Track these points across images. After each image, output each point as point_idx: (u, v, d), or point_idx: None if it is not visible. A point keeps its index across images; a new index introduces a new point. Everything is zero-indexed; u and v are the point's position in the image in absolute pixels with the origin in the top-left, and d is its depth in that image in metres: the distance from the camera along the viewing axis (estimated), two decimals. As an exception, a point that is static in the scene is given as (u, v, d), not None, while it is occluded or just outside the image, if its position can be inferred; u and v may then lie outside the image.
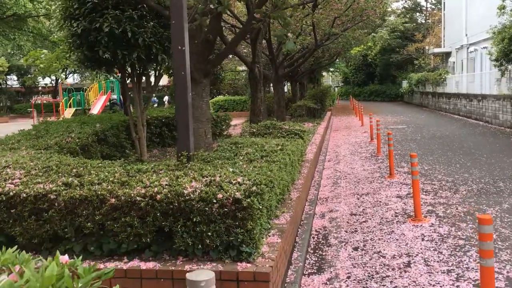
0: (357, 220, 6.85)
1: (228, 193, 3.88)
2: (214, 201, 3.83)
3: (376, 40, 20.86)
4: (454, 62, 33.02)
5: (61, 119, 11.36)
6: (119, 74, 11.89)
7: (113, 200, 3.91)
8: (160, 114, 11.67)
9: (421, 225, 6.41)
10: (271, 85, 21.86)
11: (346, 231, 6.38)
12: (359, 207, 7.62)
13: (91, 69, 8.88)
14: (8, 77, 46.71)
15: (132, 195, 3.90)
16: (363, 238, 6.03)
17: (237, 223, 3.86)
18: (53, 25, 9.47)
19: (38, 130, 7.76)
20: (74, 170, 4.65)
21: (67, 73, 42.58)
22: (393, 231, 6.26)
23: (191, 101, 4.97)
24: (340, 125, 23.27)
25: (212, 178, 4.25)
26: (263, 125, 9.25)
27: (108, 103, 27.68)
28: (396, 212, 7.14)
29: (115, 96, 23.75)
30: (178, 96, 4.94)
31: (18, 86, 48.52)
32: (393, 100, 47.86)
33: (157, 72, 9.25)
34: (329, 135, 18.59)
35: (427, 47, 43.93)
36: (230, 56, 18.98)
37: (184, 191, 3.90)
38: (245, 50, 23.13)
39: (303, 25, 16.25)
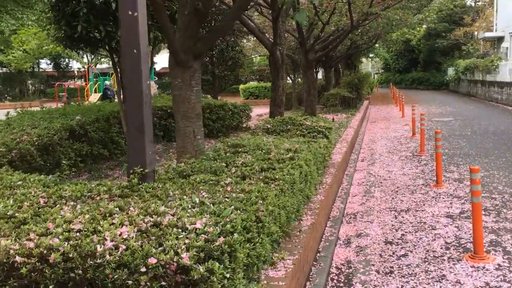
0: (393, 253, 5.12)
1: (169, 255, 2.27)
2: (143, 269, 2.23)
3: (422, 18, 18.48)
4: (507, 47, 30.04)
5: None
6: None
7: (-18, 258, 2.37)
8: (165, 103, 10.15)
9: (483, 267, 4.62)
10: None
11: (378, 271, 4.67)
12: (396, 230, 5.86)
13: (70, 49, 7.41)
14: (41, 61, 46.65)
15: (11, 252, 2.34)
16: (402, 287, 4.31)
17: (183, 306, 2.25)
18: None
19: (-1, 124, 6.39)
20: (-32, 195, 3.15)
21: (99, 57, 41.92)
22: (444, 275, 4.50)
23: (148, 93, 3.38)
24: (378, 116, 21.20)
25: (158, 219, 2.65)
26: (280, 121, 7.57)
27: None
28: (447, 242, 5.35)
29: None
30: (129, 85, 3.35)
31: (51, 70, 48.37)
32: (437, 89, 44.86)
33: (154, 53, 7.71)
34: (365, 128, 16.66)
35: (476, 32, 40.67)
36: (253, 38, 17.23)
37: (98, 247, 2.31)
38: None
39: (338, 3, 14.34)
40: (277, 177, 4.04)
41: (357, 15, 15.16)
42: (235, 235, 2.56)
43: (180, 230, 2.54)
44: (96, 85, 28.58)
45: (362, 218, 6.42)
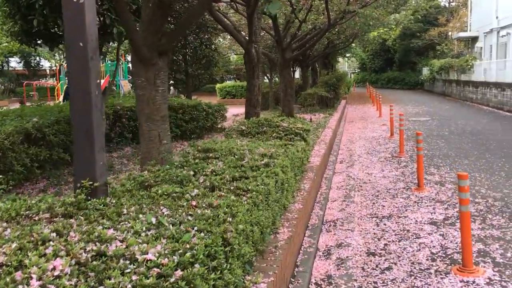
0: (377, 266, 4.74)
1: (110, 298, 1.81)
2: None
3: (398, 20, 18.35)
4: (481, 47, 30.31)
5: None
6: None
7: None
8: (134, 104, 9.57)
9: (473, 282, 4.28)
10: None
11: (361, 288, 4.28)
12: (379, 239, 5.50)
13: (27, 44, 6.80)
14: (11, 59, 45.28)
15: None
16: (387, 306, 3.94)
17: None
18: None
19: None
20: None
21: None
22: (432, 291, 4.15)
23: (98, 93, 2.90)
24: (355, 116, 21.00)
25: (103, 247, 2.18)
26: (255, 122, 7.13)
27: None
28: (432, 253, 5.00)
29: None
30: (74, 84, 2.87)
31: (21, 68, 46.94)
32: (412, 88, 45.20)
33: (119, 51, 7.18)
34: (343, 128, 16.39)
35: (450, 32, 41.07)
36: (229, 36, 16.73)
37: (20, 288, 1.84)
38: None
39: (315, 1, 14.00)
40: (250, 187, 3.60)
41: (335, 13, 14.84)
42: (196, 266, 2.12)
43: (128, 262, 2.08)
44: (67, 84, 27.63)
45: (342, 226, 6.04)
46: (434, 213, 6.40)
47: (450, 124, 16.61)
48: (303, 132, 6.93)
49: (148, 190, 3.58)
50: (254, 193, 3.53)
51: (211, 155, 4.90)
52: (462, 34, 34.31)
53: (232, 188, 3.65)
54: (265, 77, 24.60)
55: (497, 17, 26.60)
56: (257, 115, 9.50)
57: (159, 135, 4.92)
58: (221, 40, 22.67)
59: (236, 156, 4.73)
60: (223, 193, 3.51)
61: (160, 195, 3.39)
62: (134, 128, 9.48)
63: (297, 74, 30.62)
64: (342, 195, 7.60)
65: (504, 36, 24.95)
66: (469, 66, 27.45)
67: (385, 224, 6.02)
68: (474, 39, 32.64)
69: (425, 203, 6.91)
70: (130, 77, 28.35)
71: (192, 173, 4.13)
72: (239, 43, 10.30)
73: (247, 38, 10.93)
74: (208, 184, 3.74)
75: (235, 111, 19.32)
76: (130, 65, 29.77)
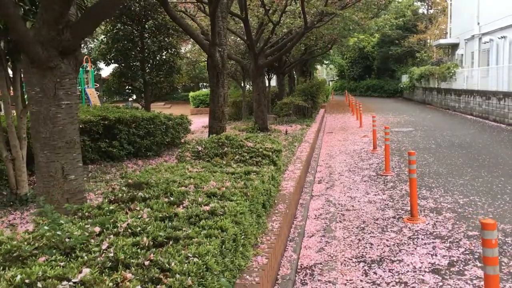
0: None
1: None
2: None
3: (380, 25, 17.33)
4: (462, 54, 29.59)
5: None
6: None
7: None
8: (93, 116, 8.14)
9: None
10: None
11: None
12: (369, 299, 4.19)
13: None
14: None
15: None
16: None
17: None
18: None
19: None
20: None
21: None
22: None
23: None
24: (335, 126, 19.83)
25: None
26: (214, 141, 5.78)
27: None
28: (442, 322, 3.72)
29: None
30: None
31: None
32: (391, 96, 44.52)
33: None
34: (321, 140, 15.14)
35: (429, 39, 40.53)
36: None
37: None
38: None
39: (290, 3, 12.81)
40: (173, 265, 2.25)
41: (312, 16, 13.66)
42: None
43: None
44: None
45: (321, 276, 4.72)
46: (435, 255, 5.14)
47: (435, 135, 15.53)
48: (273, 154, 5.61)
49: (7, 270, 2.20)
50: (177, 276, 2.17)
51: (140, 194, 3.54)
52: (442, 41, 33.62)
53: (146, 264, 2.30)
54: (240, 86, 23.32)
55: (478, 23, 25.87)
56: (222, 130, 8.16)
57: (62, 168, 3.52)
58: (190, 46, 21.25)
59: (172, 198, 3.37)
60: (129, 275, 2.16)
61: (17, 286, 2.02)
62: (95, 145, 8.04)
63: (274, 82, 29.46)
64: (321, 227, 6.29)
65: (487, 42, 24.18)
66: (451, 74, 26.63)
67: (375, 273, 4.73)
68: (454, 46, 31.97)
69: (422, 239, 5.65)
70: (97, 85, 26.70)
71: (97, 230, 2.76)
72: (201, 47, 8.96)
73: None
74: (112, 255, 2.38)
75: (207, 122, 17.95)
76: (88, 70, 26.89)
